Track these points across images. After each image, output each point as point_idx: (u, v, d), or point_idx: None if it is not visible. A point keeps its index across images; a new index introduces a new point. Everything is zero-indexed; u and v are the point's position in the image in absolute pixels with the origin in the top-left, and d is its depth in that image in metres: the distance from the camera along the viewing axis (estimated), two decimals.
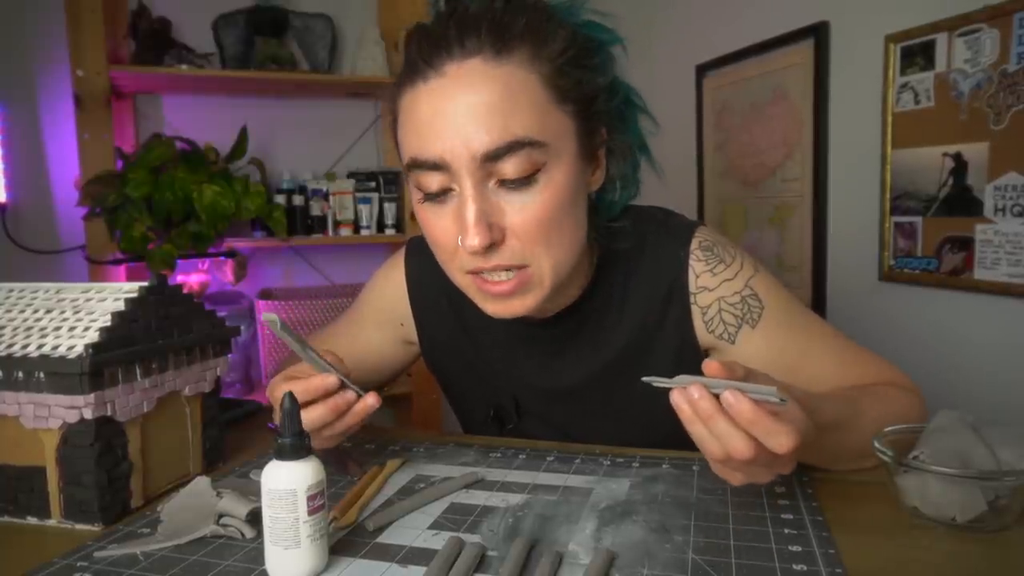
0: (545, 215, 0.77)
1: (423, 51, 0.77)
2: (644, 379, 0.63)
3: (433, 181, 0.77)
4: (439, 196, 0.79)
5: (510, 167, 0.75)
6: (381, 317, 1.08)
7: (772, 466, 0.64)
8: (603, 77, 0.83)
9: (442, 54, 0.75)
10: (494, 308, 0.82)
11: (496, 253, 0.77)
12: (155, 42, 2.23)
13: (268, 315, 0.68)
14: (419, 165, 0.77)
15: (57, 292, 0.84)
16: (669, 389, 0.63)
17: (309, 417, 0.75)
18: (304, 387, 0.75)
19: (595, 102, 0.81)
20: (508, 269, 0.78)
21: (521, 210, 0.76)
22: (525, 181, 0.76)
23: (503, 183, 0.76)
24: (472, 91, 0.74)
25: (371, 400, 0.77)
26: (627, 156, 0.87)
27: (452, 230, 0.79)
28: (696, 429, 0.63)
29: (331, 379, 0.75)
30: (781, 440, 0.59)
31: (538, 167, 0.76)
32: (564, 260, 0.81)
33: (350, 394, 0.76)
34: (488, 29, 0.75)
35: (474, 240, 0.75)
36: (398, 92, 0.81)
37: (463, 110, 0.74)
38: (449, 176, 0.76)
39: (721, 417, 0.61)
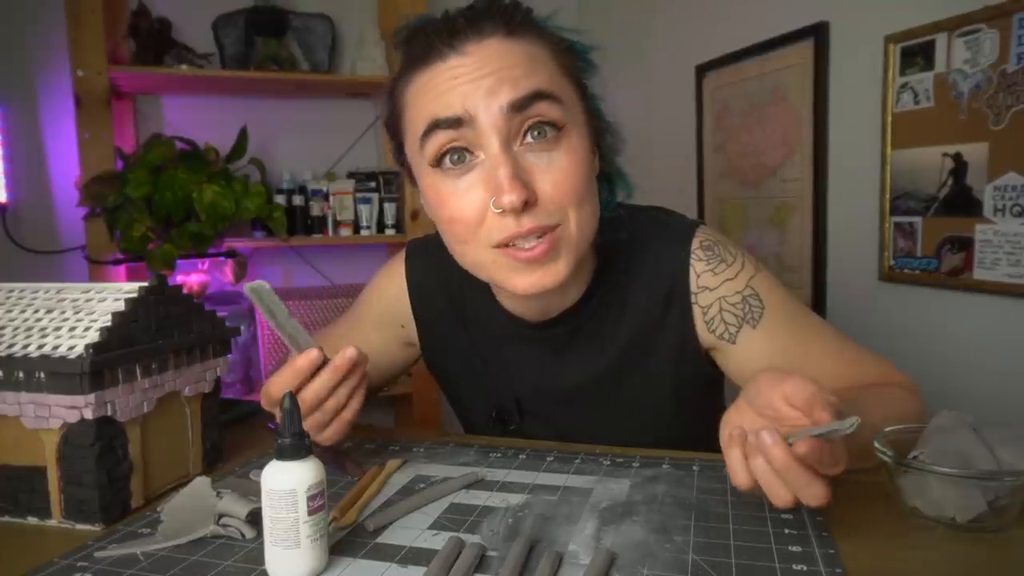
0: (574, 174, 0.78)
1: (440, 37, 0.78)
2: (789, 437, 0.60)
3: (455, 143, 0.77)
4: (460, 163, 0.78)
5: (536, 116, 0.76)
6: (382, 319, 1.08)
7: (802, 491, 0.62)
8: (589, 76, 0.86)
9: (461, 37, 0.77)
10: (525, 280, 0.80)
11: (530, 214, 0.76)
12: (155, 42, 2.23)
13: (252, 284, 0.69)
14: (440, 124, 0.77)
15: (57, 292, 0.84)
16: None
17: (314, 390, 0.75)
18: (292, 370, 0.76)
19: (587, 93, 0.85)
20: (541, 233, 0.77)
21: (550, 169, 0.77)
22: (551, 138, 0.77)
23: (529, 145, 0.77)
24: (494, 60, 0.76)
25: (351, 352, 0.77)
26: (614, 155, 0.89)
27: (478, 199, 0.77)
28: (769, 479, 0.62)
29: (313, 352, 0.76)
30: (815, 491, 0.59)
31: (560, 124, 0.78)
32: (590, 224, 0.81)
33: (349, 351, 0.76)
34: (500, 15, 0.79)
35: (512, 196, 0.74)
36: (406, 78, 0.81)
37: (486, 73, 0.76)
38: (473, 137, 0.76)
39: (799, 467, 0.59)
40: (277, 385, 0.77)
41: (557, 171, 0.77)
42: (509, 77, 0.76)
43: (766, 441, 0.59)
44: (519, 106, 0.75)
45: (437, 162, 0.79)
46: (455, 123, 0.76)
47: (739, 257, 0.91)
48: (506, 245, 0.78)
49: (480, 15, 0.78)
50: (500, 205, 0.75)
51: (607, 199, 0.90)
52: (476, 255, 0.81)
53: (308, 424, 0.78)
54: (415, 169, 0.85)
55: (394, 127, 0.87)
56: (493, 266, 0.81)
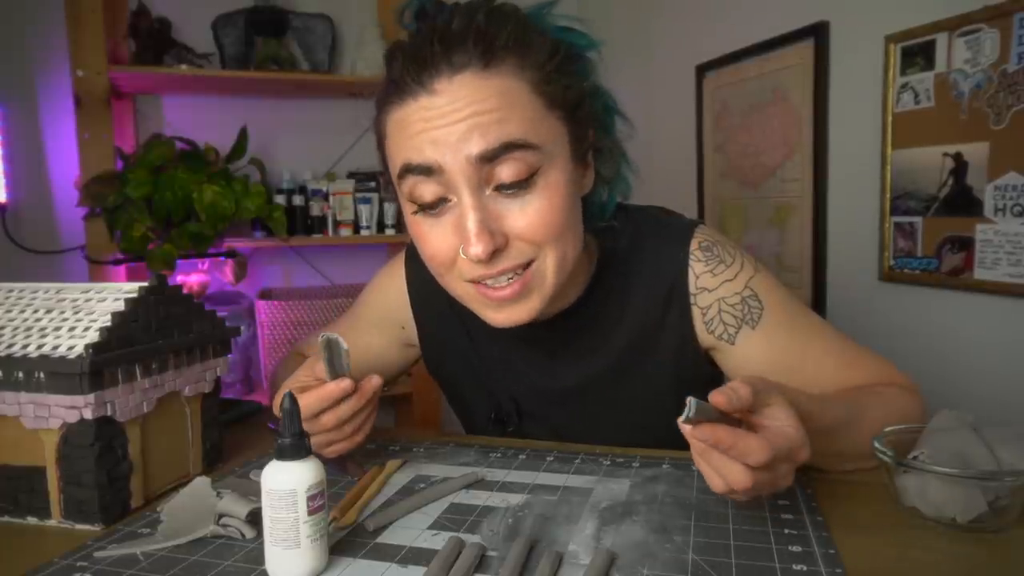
0: (550, 213, 0.77)
1: (410, 71, 0.75)
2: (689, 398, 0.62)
3: (427, 190, 0.76)
4: (434, 208, 0.78)
5: (506, 170, 0.74)
6: (381, 320, 1.08)
7: (774, 483, 0.64)
8: (586, 82, 0.83)
9: (432, 72, 0.74)
10: (496, 316, 0.81)
11: (501, 258, 0.77)
12: (155, 42, 2.23)
13: (331, 337, 0.76)
14: (412, 170, 0.76)
15: (57, 292, 0.84)
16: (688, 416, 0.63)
17: (337, 416, 0.77)
18: (319, 396, 0.76)
19: (581, 106, 0.81)
20: (513, 272, 0.78)
21: (522, 213, 0.76)
22: (522, 184, 0.75)
23: (500, 188, 0.75)
24: (465, 102, 0.73)
25: (377, 381, 0.80)
26: (614, 156, 0.88)
27: (449, 241, 0.78)
28: (701, 466, 0.65)
29: (346, 383, 0.77)
30: (757, 456, 0.60)
31: (533, 170, 0.75)
32: (567, 259, 0.80)
33: (375, 380, 0.79)
34: (475, 42, 0.74)
35: (477, 248, 0.74)
36: (385, 110, 0.80)
37: (457, 119, 0.73)
38: (444, 184, 0.76)
39: (712, 451, 0.62)
40: (303, 403, 0.76)
41: (531, 213, 0.76)
42: (479, 124, 0.73)
43: (683, 428, 0.63)
44: (489, 158, 0.74)
45: (412, 201, 0.79)
46: (426, 171, 0.75)
47: (738, 257, 0.91)
48: (477, 283, 0.79)
49: (455, 42, 0.74)
50: (467, 254, 0.76)
51: (606, 203, 0.89)
52: (454, 287, 0.83)
53: (317, 440, 0.79)
54: (399, 198, 0.84)
55: (382, 149, 0.86)
56: (469, 298, 0.83)
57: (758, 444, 0.60)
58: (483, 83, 0.74)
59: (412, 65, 0.75)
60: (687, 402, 0.60)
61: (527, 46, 0.77)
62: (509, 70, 0.75)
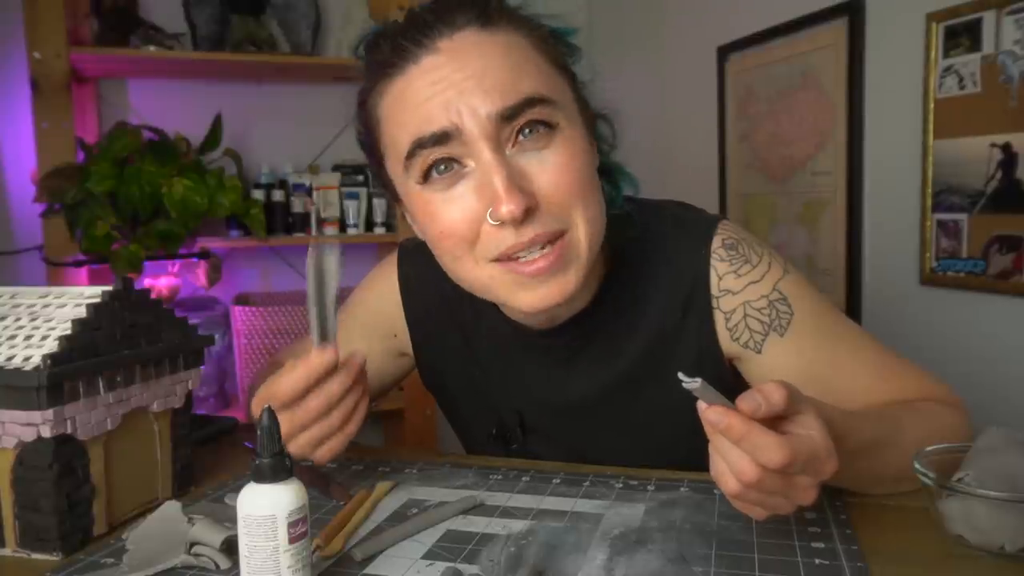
0: (573, 169, 0.78)
1: (408, 36, 0.77)
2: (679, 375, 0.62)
3: (433, 158, 0.77)
4: (448, 172, 0.77)
5: (527, 126, 0.76)
6: (371, 328, 1.08)
7: (789, 495, 0.64)
8: (576, 62, 0.86)
9: (431, 33, 0.77)
10: (530, 297, 0.80)
11: (531, 223, 0.76)
12: (120, 21, 2.24)
13: (323, 246, 0.73)
14: (424, 143, 0.76)
15: (12, 297, 0.84)
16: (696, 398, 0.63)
17: (325, 395, 0.76)
18: (307, 368, 0.75)
19: (576, 79, 0.85)
20: (546, 242, 0.77)
21: (549, 168, 0.77)
22: (545, 137, 0.77)
23: (522, 144, 0.77)
24: (473, 58, 0.76)
25: (361, 355, 0.79)
26: (612, 146, 0.90)
27: (470, 211, 0.77)
28: (713, 460, 0.66)
29: (330, 353, 0.76)
30: (772, 455, 0.60)
31: (552, 126, 0.78)
32: (597, 225, 0.82)
33: (358, 353, 0.79)
34: (471, 4, 0.78)
35: (510, 205, 0.74)
36: (377, 91, 0.81)
37: (468, 75, 0.75)
38: (461, 148, 0.76)
39: (722, 438, 0.63)
40: (286, 385, 0.76)
41: (555, 169, 0.77)
42: (496, 81, 0.75)
43: (708, 416, 0.63)
44: (509, 116, 0.75)
45: (424, 177, 0.79)
46: (441, 138, 0.76)
47: (765, 257, 0.91)
48: (507, 259, 0.78)
49: (449, 6, 0.77)
50: (499, 217, 0.75)
51: (611, 195, 0.90)
52: (473, 272, 0.81)
53: (304, 439, 0.78)
54: (399, 187, 0.84)
55: (371, 145, 0.86)
56: (493, 283, 0.81)
57: (776, 442, 0.60)
58: (487, 38, 0.77)
59: (408, 32, 0.77)
60: (693, 380, 0.61)
61: (518, 14, 0.81)
62: (508, 27, 0.79)
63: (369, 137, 0.85)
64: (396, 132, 0.80)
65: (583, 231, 0.79)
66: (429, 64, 0.76)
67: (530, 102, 0.76)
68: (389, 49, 0.78)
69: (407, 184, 0.81)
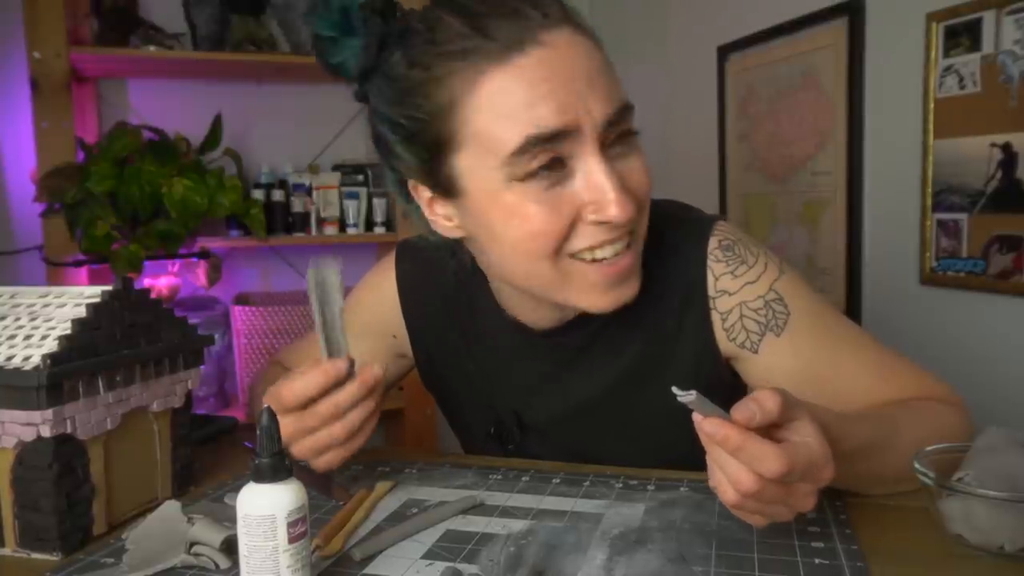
0: (646, 176, 0.81)
1: (502, 27, 0.74)
2: (673, 389, 0.63)
3: (546, 157, 0.75)
4: (550, 176, 0.76)
5: (622, 131, 0.78)
6: (370, 328, 1.08)
7: (789, 503, 0.64)
8: None
9: (530, 23, 0.75)
10: (603, 298, 0.81)
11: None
12: (120, 21, 2.24)
13: (320, 268, 0.74)
14: (541, 139, 0.74)
15: (11, 297, 0.84)
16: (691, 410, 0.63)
17: (335, 403, 0.77)
18: (322, 372, 0.76)
19: None
20: (629, 241, 0.80)
21: (636, 174, 0.80)
22: (632, 145, 0.80)
23: (615, 150, 0.78)
24: (580, 57, 0.76)
25: (379, 371, 0.79)
26: None
27: (567, 211, 0.77)
28: (711, 471, 0.66)
29: (342, 363, 0.77)
30: (769, 464, 0.60)
31: (636, 132, 0.80)
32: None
33: (377, 368, 0.79)
34: (553, 2, 0.78)
35: (624, 210, 0.75)
36: (451, 70, 0.75)
37: (579, 75, 0.75)
38: (571, 148, 0.76)
39: (719, 449, 0.63)
40: (298, 388, 0.77)
41: (640, 176, 0.80)
42: (602, 85, 0.76)
43: (704, 427, 0.63)
44: (615, 120, 0.77)
45: (529, 175, 0.76)
46: (558, 137, 0.74)
47: (761, 258, 0.91)
48: (590, 259, 0.79)
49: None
50: (608, 218, 0.76)
51: None
52: (550, 271, 0.80)
53: (308, 444, 0.79)
54: (468, 182, 0.79)
55: (421, 132, 0.79)
56: (568, 279, 0.81)
57: (773, 452, 0.60)
58: (580, 39, 0.78)
59: (500, 17, 0.74)
60: (688, 393, 0.61)
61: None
62: (585, 29, 0.80)
63: (420, 123, 0.78)
64: (496, 124, 0.75)
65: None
66: (537, 55, 0.74)
67: (628, 108, 0.78)
68: (469, 29, 0.74)
69: (490, 180, 0.77)
